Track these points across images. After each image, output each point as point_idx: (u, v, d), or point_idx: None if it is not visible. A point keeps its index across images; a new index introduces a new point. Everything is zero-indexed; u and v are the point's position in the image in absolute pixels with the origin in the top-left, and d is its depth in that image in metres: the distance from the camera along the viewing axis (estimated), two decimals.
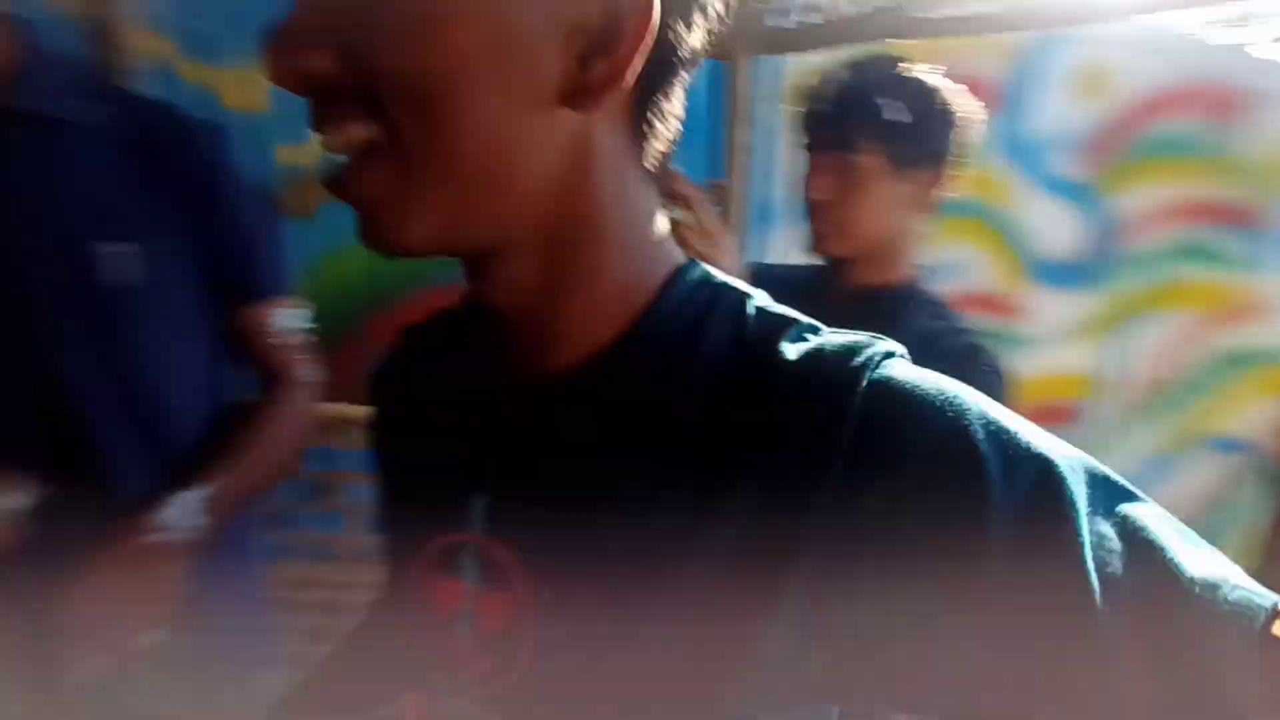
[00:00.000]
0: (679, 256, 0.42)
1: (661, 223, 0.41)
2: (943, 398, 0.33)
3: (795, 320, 0.39)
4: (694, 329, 0.39)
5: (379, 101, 0.33)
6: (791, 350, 0.36)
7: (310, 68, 0.32)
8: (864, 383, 0.34)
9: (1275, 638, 0.28)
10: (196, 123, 0.87)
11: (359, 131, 0.34)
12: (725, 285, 0.41)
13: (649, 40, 0.33)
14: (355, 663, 0.62)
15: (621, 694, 0.37)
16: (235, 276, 0.88)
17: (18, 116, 0.76)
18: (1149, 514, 0.32)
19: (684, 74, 0.38)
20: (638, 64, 0.34)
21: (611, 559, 0.37)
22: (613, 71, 0.34)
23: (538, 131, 0.35)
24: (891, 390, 0.34)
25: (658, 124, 0.38)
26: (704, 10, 0.36)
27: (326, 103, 0.34)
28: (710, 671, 0.35)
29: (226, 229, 0.86)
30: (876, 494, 0.32)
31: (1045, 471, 0.31)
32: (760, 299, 0.41)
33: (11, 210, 0.76)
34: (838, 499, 0.32)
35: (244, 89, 1.45)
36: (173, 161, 0.83)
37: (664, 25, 0.34)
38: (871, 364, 0.34)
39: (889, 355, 0.36)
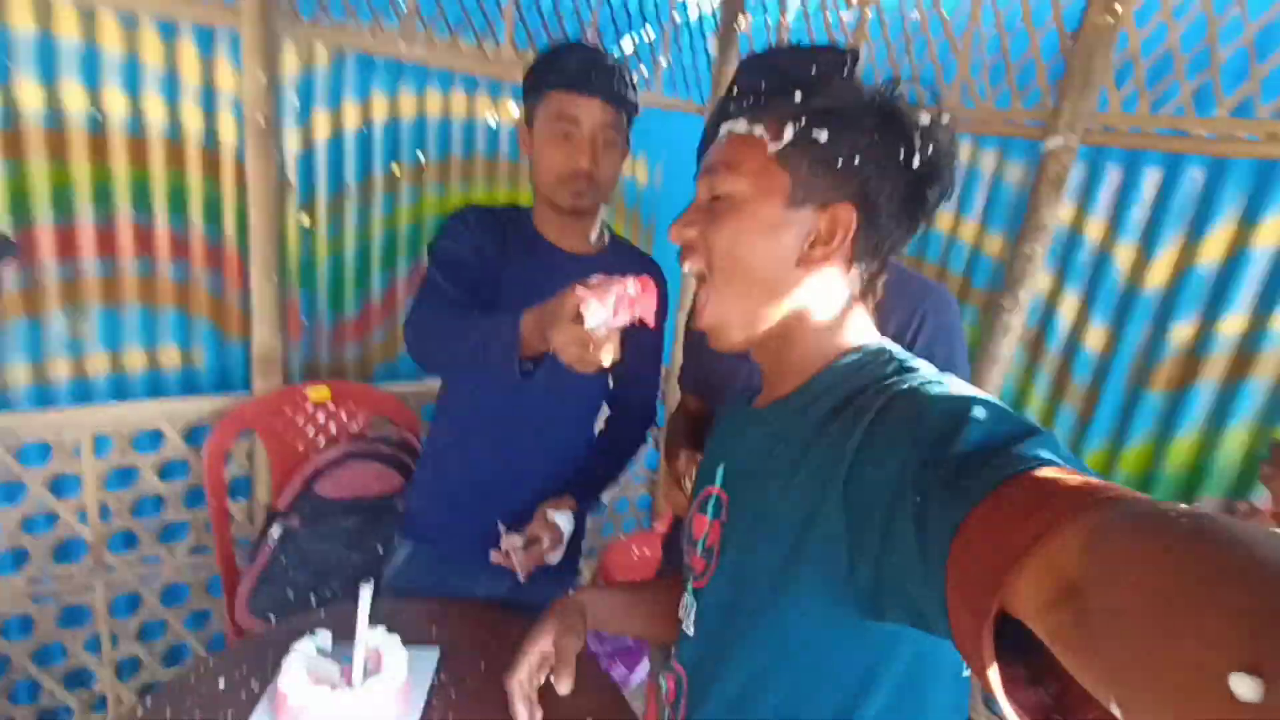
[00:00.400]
0: (868, 340, 0.72)
1: (858, 321, 0.73)
2: (912, 395, 0.59)
3: (913, 368, 0.65)
4: (848, 375, 0.68)
5: (710, 258, 0.72)
6: (888, 381, 0.63)
7: (688, 236, 0.74)
8: (896, 388, 0.61)
9: (1032, 480, 0.44)
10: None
11: (700, 269, 0.73)
12: (884, 352, 0.69)
13: (847, 245, 0.68)
14: (672, 567, 1.04)
15: (751, 585, 0.69)
16: None
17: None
18: (1034, 436, 0.49)
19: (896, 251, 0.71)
20: (842, 252, 0.68)
21: (763, 492, 0.69)
22: (824, 255, 0.68)
23: (784, 279, 0.69)
24: (904, 390, 0.60)
25: (864, 271, 0.71)
26: (897, 231, 0.69)
27: (688, 252, 0.74)
28: (796, 554, 0.63)
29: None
30: (875, 429, 0.58)
31: (961, 412, 0.52)
32: (901, 357, 0.68)
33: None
34: (866, 432, 0.59)
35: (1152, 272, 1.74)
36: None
37: (869, 235, 0.68)
38: (906, 378, 0.62)
39: (927, 381, 0.60)
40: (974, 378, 1.77)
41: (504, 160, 2.35)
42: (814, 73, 0.69)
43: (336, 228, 2.16)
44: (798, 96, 0.68)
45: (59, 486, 1.84)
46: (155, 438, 1.91)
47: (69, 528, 1.82)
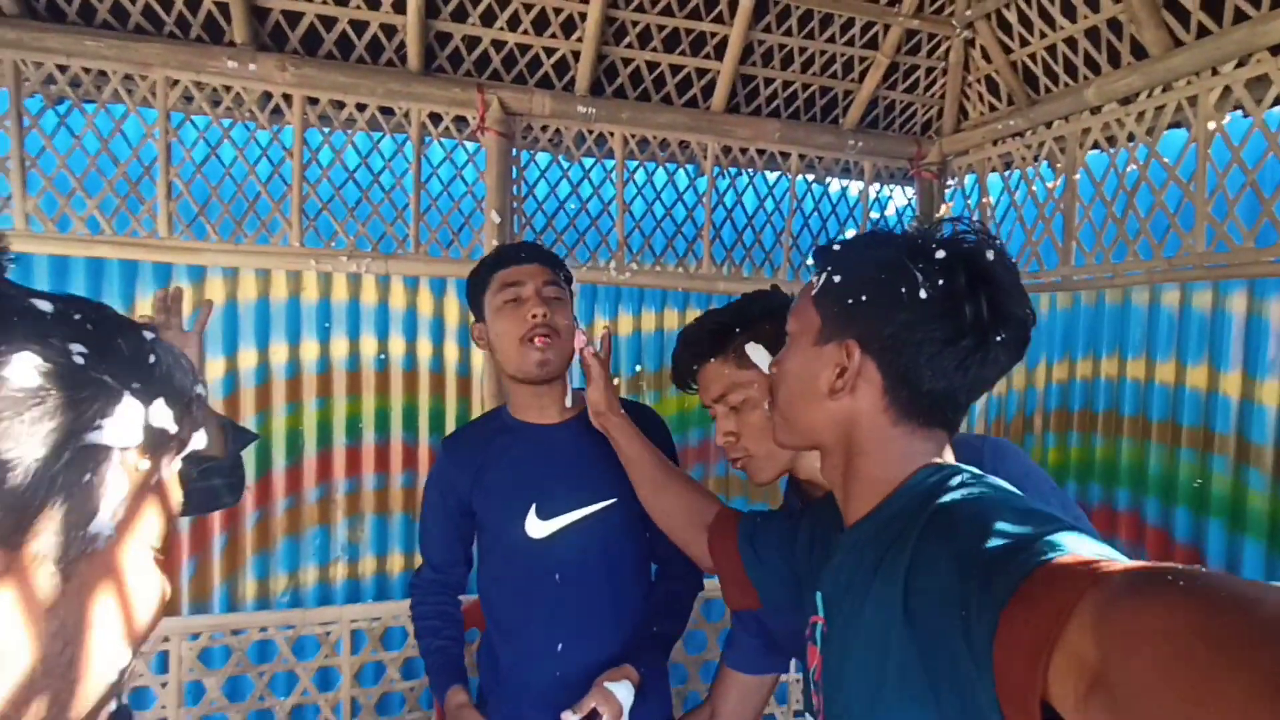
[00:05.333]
0: (927, 461, 0.72)
1: (916, 445, 0.73)
2: (950, 512, 0.63)
3: (970, 483, 0.66)
4: (912, 497, 0.69)
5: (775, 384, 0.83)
6: (937, 498, 0.65)
7: (773, 371, 0.84)
8: (934, 505, 0.64)
9: (1044, 571, 0.48)
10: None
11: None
12: (949, 471, 0.69)
13: (873, 377, 0.71)
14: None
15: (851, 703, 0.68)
16: None
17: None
18: (1054, 528, 0.53)
19: (927, 373, 0.70)
20: (868, 384, 0.72)
21: (847, 621, 0.71)
22: (842, 386, 0.73)
23: (821, 406, 0.75)
24: (937, 510, 0.64)
25: (904, 399, 0.71)
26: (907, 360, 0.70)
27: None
28: (883, 660, 0.63)
29: None
30: (920, 550, 0.62)
31: (986, 518, 0.58)
32: (965, 474, 0.68)
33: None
34: (912, 551, 0.62)
35: None
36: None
37: (892, 365, 0.70)
38: (950, 494, 0.65)
39: (959, 499, 0.64)
40: None
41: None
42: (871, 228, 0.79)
43: None
44: (835, 247, 0.77)
45: (322, 680, 2.06)
46: (402, 635, 2.10)
47: None
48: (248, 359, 2.13)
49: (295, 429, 2.18)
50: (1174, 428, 2.04)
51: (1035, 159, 2.11)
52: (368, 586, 2.25)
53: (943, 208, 2.44)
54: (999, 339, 0.69)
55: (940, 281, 0.69)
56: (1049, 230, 2.08)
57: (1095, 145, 1.94)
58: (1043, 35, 1.98)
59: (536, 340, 1.27)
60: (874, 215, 2.45)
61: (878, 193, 2.45)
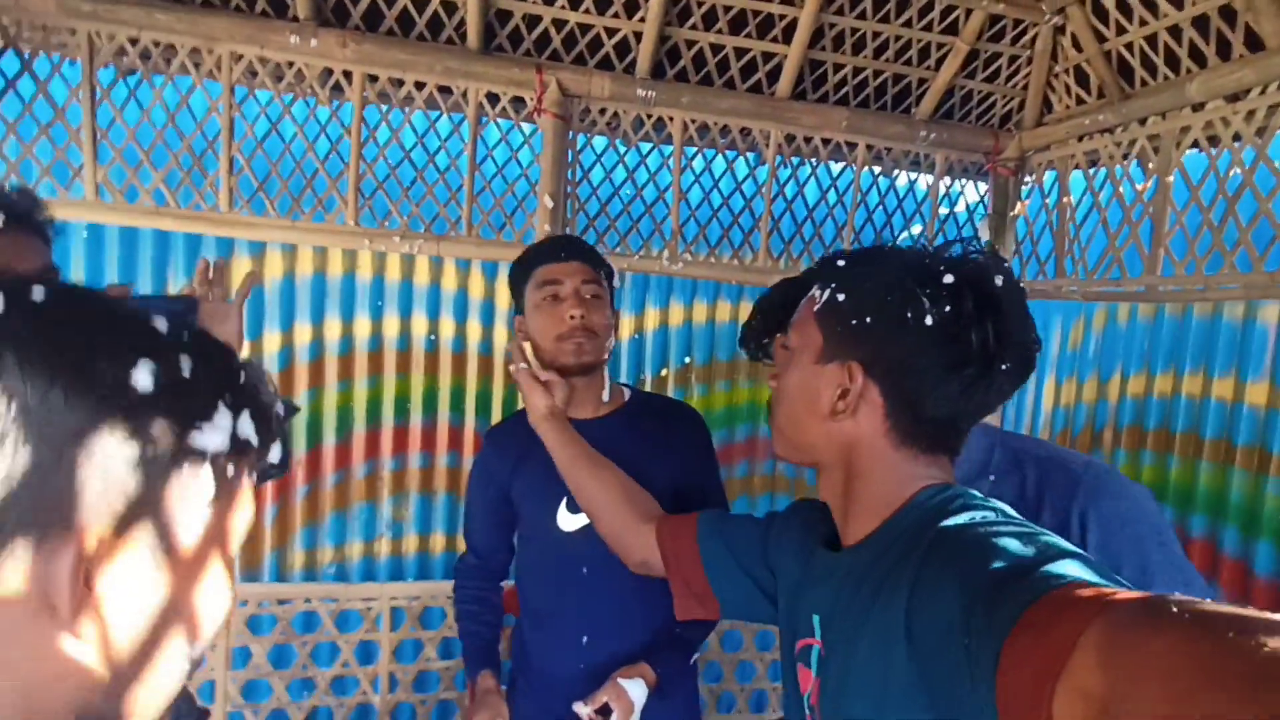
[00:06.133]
0: (931, 481, 0.71)
1: (918, 469, 0.72)
2: (954, 536, 0.62)
3: (971, 507, 0.65)
4: (913, 520, 0.68)
5: (774, 399, 0.82)
6: (938, 524, 0.64)
7: (771, 386, 0.83)
8: (937, 530, 0.63)
9: (1050, 600, 0.47)
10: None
11: (770, 404, 0.84)
12: (949, 494, 0.69)
13: (875, 401, 0.71)
14: None
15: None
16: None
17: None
18: (1058, 557, 0.53)
19: (934, 399, 0.70)
20: (870, 407, 0.72)
21: (847, 646, 0.69)
22: (844, 409, 0.72)
23: (822, 426, 0.74)
24: (940, 534, 0.63)
25: (906, 424, 0.71)
26: (920, 389, 0.70)
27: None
28: (885, 685, 0.63)
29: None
30: (922, 573, 0.61)
31: (990, 545, 0.57)
32: (965, 497, 0.67)
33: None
34: (915, 574, 0.62)
35: None
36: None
37: (895, 390, 0.70)
38: (951, 520, 0.64)
39: (962, 522, 0.63)
40: None
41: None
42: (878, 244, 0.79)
43: None
44: (840, 263, 0.76)
45: (363, 654, 2.10)
46: (440, 615, 2.12)
47: (365, 695, 2.04)
48: (303, 334, 2.17)
49: (346, 405, 2.21)
50: (1262, 454, 1.89)
51: (1125, 158, 1.97)
52: (410, 564, 2.28)
53: (1018, 205, 2.30)
54: (1004, 367, 0.69)
55: (947, 307, 0.68)
56: (1135, 235, 1.93)
57: (1194, 145, 1.79)
58: (1143, 23, 1.83)
59: (571, 343, 1.29)
60: (943, 211, 2.33)
61: (948, 188, 2.32)
